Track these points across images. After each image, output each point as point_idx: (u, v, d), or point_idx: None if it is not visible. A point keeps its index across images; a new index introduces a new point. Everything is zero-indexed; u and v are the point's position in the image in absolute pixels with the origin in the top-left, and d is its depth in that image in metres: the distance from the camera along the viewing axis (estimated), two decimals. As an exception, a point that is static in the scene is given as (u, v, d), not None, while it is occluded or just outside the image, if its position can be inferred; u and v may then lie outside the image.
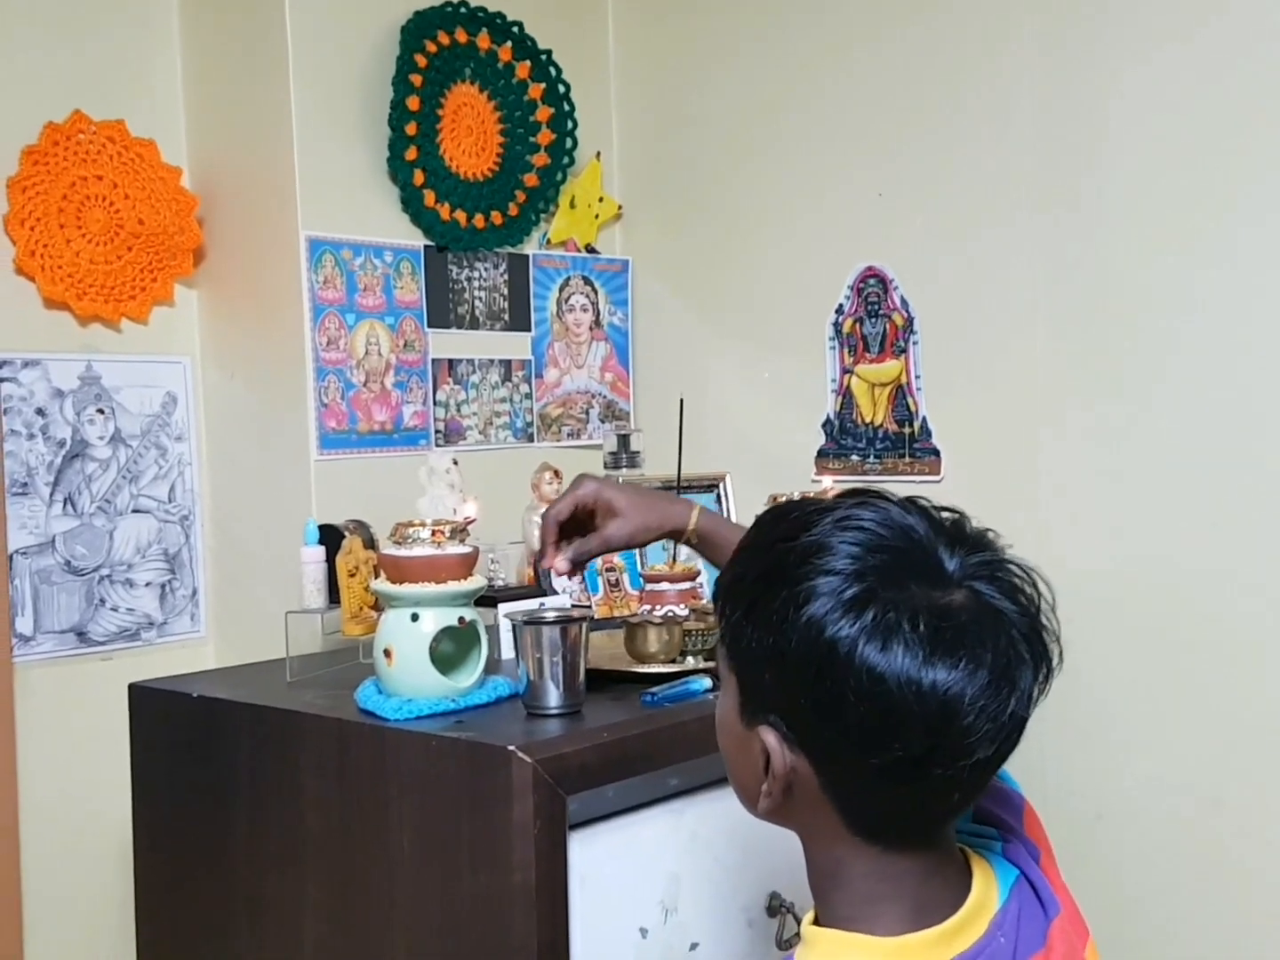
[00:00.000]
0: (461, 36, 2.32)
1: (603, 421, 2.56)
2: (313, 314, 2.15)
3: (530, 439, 2.46)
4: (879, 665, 0.86)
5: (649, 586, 2.02)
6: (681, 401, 2.00)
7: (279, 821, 1.65)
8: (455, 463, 2.07)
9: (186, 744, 1.76)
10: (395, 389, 2.27)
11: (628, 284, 2.60)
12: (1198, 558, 1.95)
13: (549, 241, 2.50)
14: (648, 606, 2.01)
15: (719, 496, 2.20)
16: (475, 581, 1.62)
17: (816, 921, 0.99)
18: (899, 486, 2.22)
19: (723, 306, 2.49)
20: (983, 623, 0.89)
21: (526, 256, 2.46)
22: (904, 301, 2.23)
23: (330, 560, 1.84)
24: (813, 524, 0.93)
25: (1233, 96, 1.89)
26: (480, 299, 2.39)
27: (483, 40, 2.35)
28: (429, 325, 2.31)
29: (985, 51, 2.13)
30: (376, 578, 1.79)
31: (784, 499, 1.78)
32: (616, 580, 2.11)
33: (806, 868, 1.01)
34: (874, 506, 0.93)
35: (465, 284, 2.37)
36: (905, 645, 0.86)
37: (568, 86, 2.44)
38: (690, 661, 1.79)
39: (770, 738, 0.92)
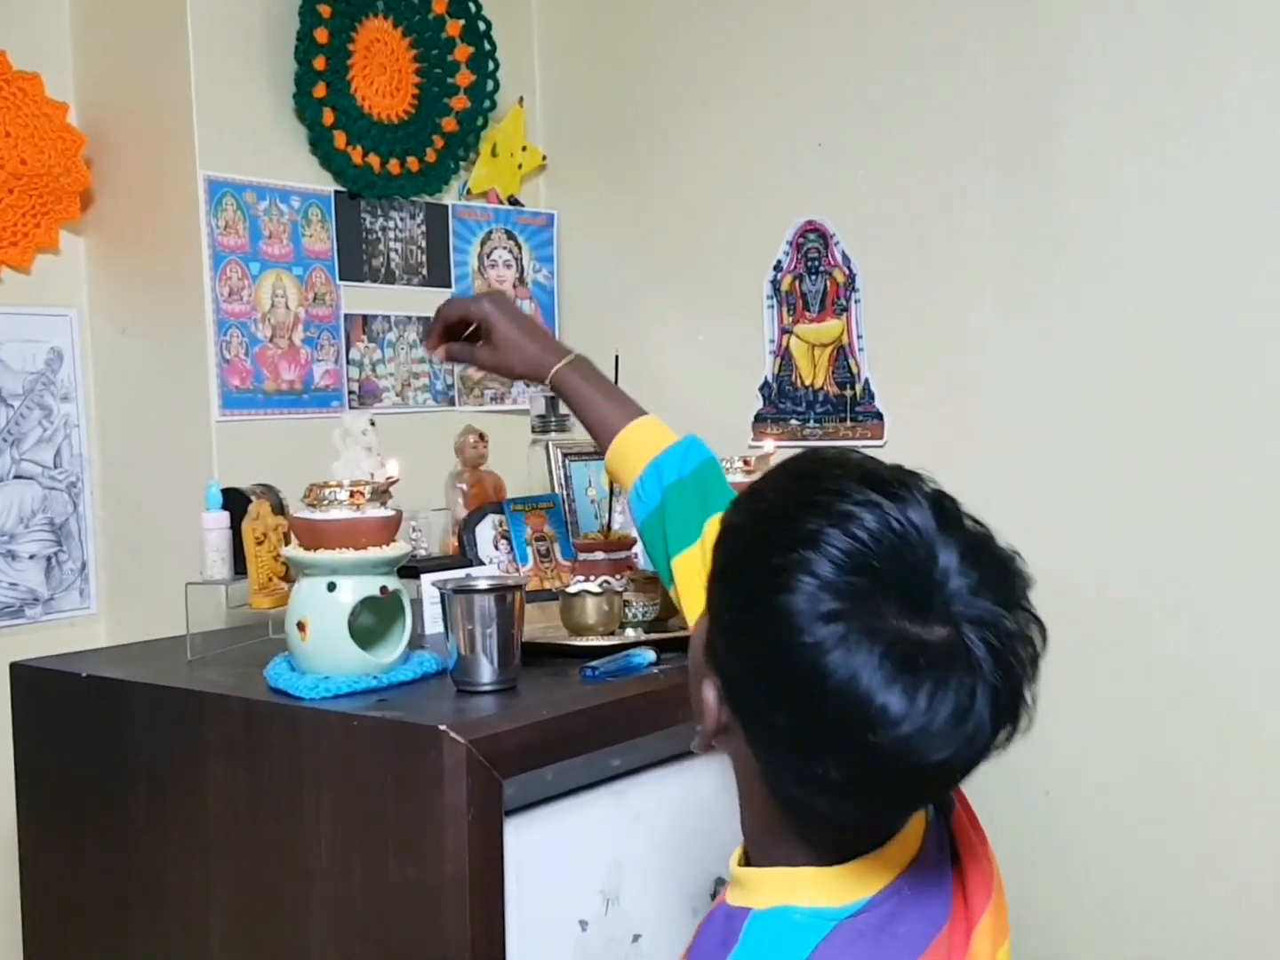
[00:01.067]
0: (375, -33, 2.16)
1: (527, 385, 2.42)
2: (213, 262, 1.98)
3: (451, 402, 2.31)
4: (832, 675, 0.80)
5: (582, 556, 1.89)
6: (617, 358, 1.87)
7: (181, 810, 1.49)
8: (372, 424, 1.91)
9: (75, 729, 1.60)
10: (305, 345, 2.11)
11: (553, 239, 2.46)
12: (1151, 525, 1.87)
13: (469, 192, 2.35)
14: (581, 577, 1.89)
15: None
16: (399, 548, 1.48)
17: (746, 861, 0.95)
18: (840, 451, 2.14)
19: (655, 263, 2.36)
20: (951, 668, 0.80)
21: (445, 207, 2.31)
22: (845, 257, 2.12)
23: (235, 527, 1.68)
24: (815, 509, 0.84)
25: (1195, 39, 1.81)
26: (396, 251, 2.24)
27: (398, -28, 2.20)
28: (340, 278, 2.15)
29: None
30: (287, 545, 1.65)
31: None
32: (547, 550, 1.97)
33: (739, 800, 0.96)
34: (880, 511, 0.83)
35: (380, 234, 2.21)
36: (867, 667, 0.79)
37: (488, 24, 2.28)
38: (630, 634, 1.67)
39: (710, 694, 0.90)
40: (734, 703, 0.88)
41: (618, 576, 1.83)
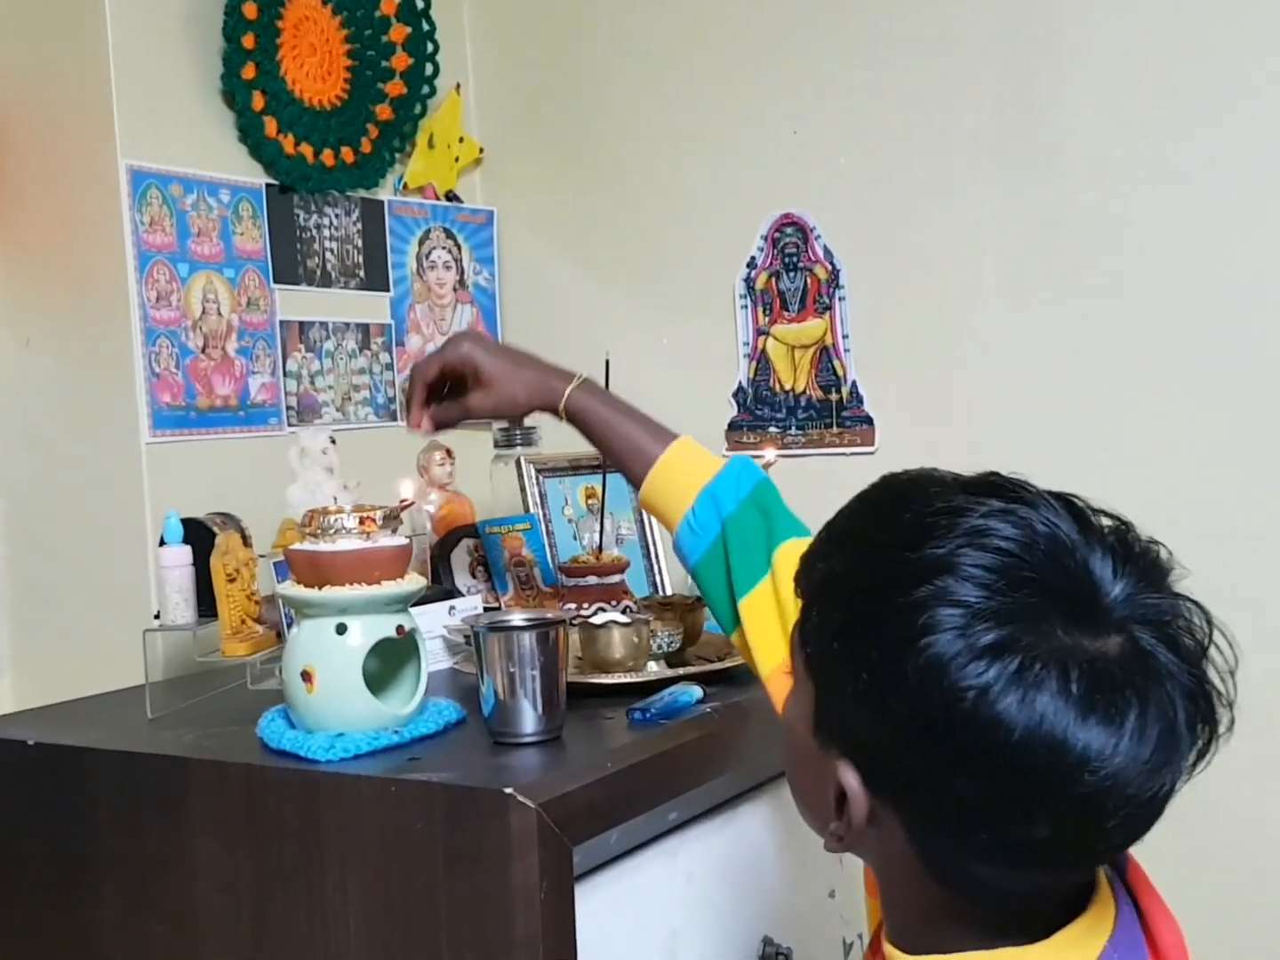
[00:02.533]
0: (302, -62, 1.95)
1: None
2: (138, 263, 1.74)
3: (394, 416, 2.10)
4: (1016, 724, 0.68)
5: (570, 581, 1.72)
6: (607, 363, 1.71)
7: (165, 903, 1.26)
8: (333, 441, 1.71)
9: (18, 811, 1.35)
10: (239, 356, 1.88)
11: (493, 238, 2.26)
12: (1158, 530, 1.77)
13: (405, 186, 2.15)
14: (571, 605, 1.71)
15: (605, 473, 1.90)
16: (414, 581, 1.28)
17: (890, 937, 0.83)
18: (828, 460, 2.00)
19: (610, 263, 2.18)
20: (1144, 680, 0.71)
21: (381, 203, 2.10)
22: (828, 252, 1.98)
23: (198, 564, 1.46)
24: (938, 531, 0.72)
25: (1201, 17, 1.72)
26: (332, 251, 2.02)
27: (327, -56, 1.99)
28: (275, 281, 1.93)
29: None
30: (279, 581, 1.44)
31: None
32: (527, 576, 1.78)
33: (886, 903, 0.84)
34: (1015, 517, 0.73)
35: (315, 233, 1.99)
36: (1053, 702, 0.69)
37: (428, 2, 2.09)
38: (652, 667, 1.49)
39: (850, 779, 0.76)
40: (883, 785, 0.76)
41: (614, 603, 1.67)
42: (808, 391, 2.01)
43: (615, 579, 1.74)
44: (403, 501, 1.33)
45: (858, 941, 1.61)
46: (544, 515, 1.85)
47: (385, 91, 2.07)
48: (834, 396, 1.99)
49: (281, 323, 1.94)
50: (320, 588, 1.24)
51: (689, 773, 1.26)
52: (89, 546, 1.78)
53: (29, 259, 1.82)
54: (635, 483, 1.30)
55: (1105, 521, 0.76)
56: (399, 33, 2.07)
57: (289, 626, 1.48)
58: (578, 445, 1.84)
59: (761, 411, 2.05)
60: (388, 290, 2.10)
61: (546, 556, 1.81)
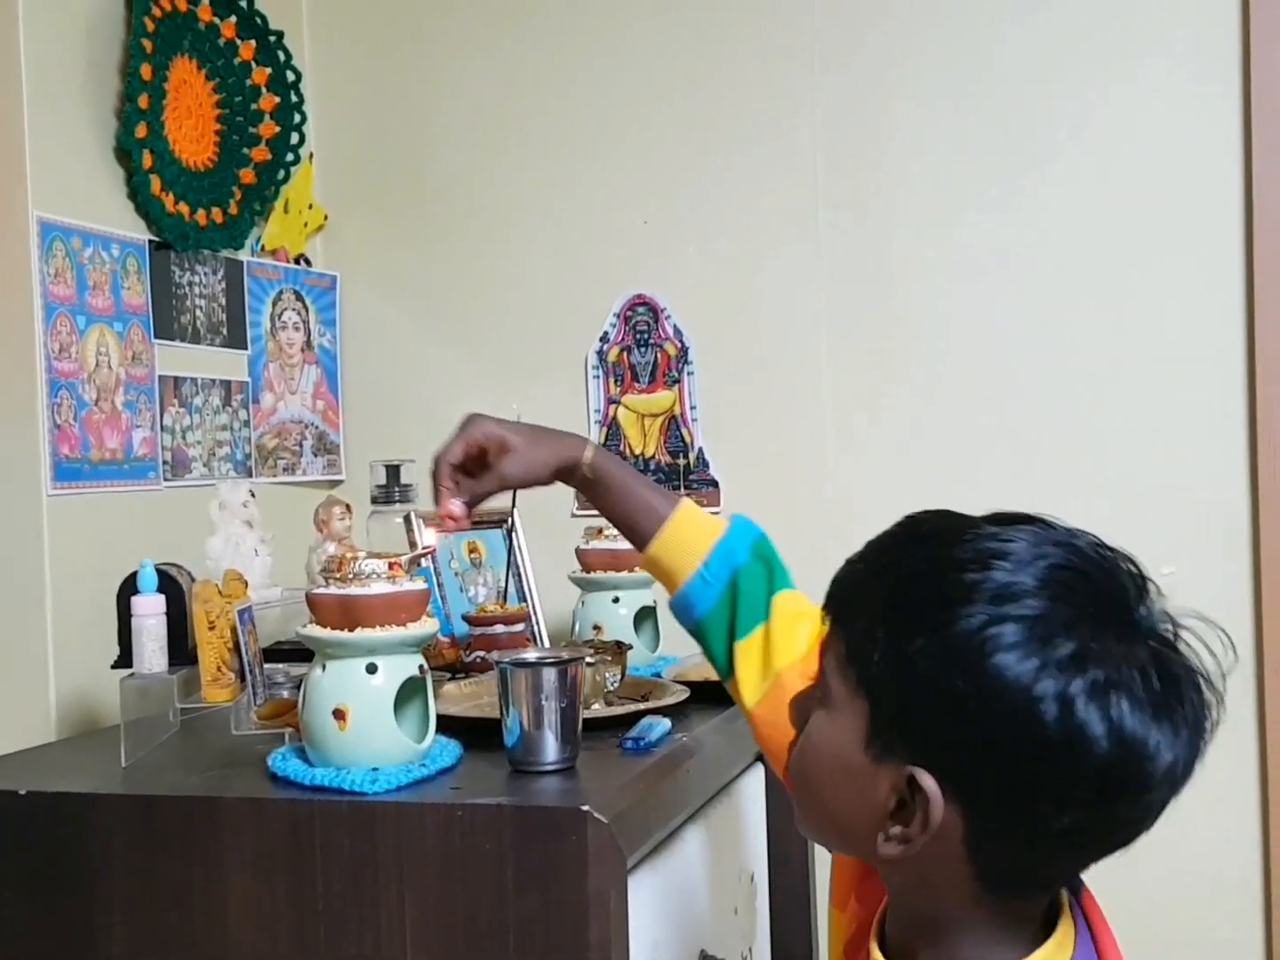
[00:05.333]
0: (181, 3, 1.98)
1: (315, 455, 2.28)
2: (44, 314, 1.73)
3: (250, 473, 2.13)
4: (1099, 724, 0.78)
5: (478, 630, 1.83)
6: (518, 414, 1.84)
7: (189, 940, 1.29)
8: (252, 495, 1.76)
9: (15, 858, 1.33)
10: (125, 410, 1.88)
11: (335, 302, 2.33)
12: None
13: (263, 248, 2.19)
14: (479, 653, 1.82)
15: (508, 531, 2.02)
16: (431, 624, 1.37)
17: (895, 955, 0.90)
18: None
19: (455, 329, 2.30)
20: (1181, 683, 0.82)
21: (241, 263, 2.14)
22: (677, 331, 2.19)
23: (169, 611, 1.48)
24: (996, 556, 0.83)
25: (1014, 106, 2.03)
26: (200, 308, 2.04)
27: (203, 11, 2.03)
28: (155, 335, 1.94)
29: (760, 65, 2.14)
30: (243, 626, 1.48)
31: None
32: (430, 626, 1.86)
33: (896, 909, 0.92)
34: (1064, 542, 0.84)
35: (187, 289, 2.02)
36: (1131, 704, 0.79)
37: (298, 75, 2.16)
38: (596, 707, 1.62)
39: (929, 782, 0.82)
40: (958, 784, 0.82)
41: (521, 650, 1.78)
42: (657, 456, 2.20)
43: (519, 627, 1.86)
44: (426, 548, 1.41)
45: (749, 954, 1.79)
46: (435, 569, 1.94)
47: (250, 156, 2.12)
48: (681, 461, 2.18)
49: (160, 377, 1.94)
50: (351, 629, 1.31)
51: (689, 793, 1.41)
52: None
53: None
54: (641, 540, 1.33)
55: (1086, 538, 0.86)
56: (268, 102, 2.13)
57: (250, 672, 1.53)
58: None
59: (610, 474, 2.21)
60: (246, 348, 2.14)
61: (440, 609, 1.90)
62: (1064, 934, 0.87)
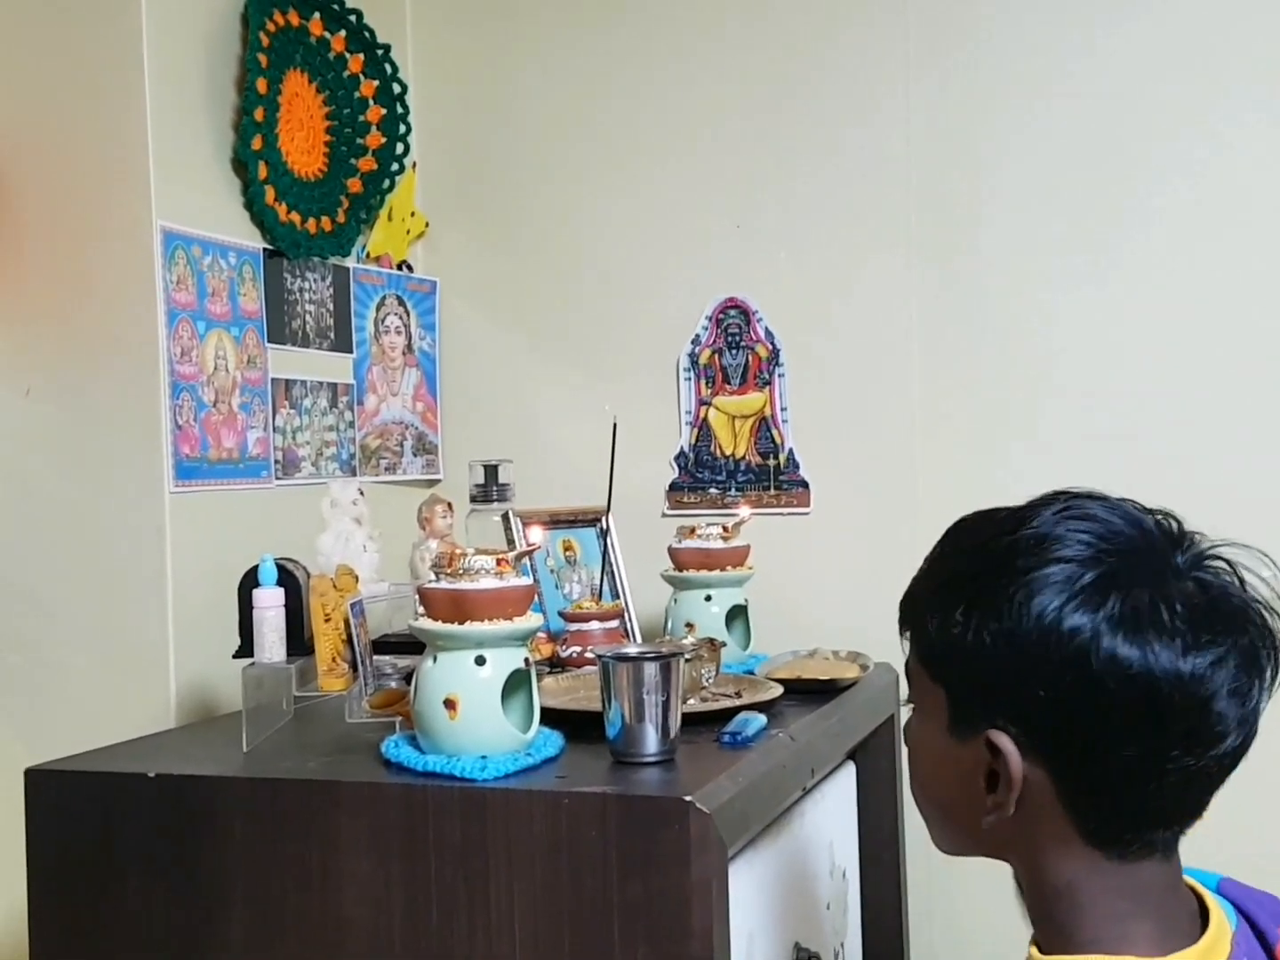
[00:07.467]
0: (294, 19, 2.06)
1: (415, 455, 2.35)
2: (167, 319, 1.82)
3: (354, 472, 2.20)
4: (1133, 653, 0.83)
5: (574, 626, 1.88)
6: (615, 426, 1.90)
7: (305, 920, 1.36)
8: (361, 493, 1.83)
9: (135, 844, 1.41)
10: (241, 411, 1.96)
11: (435, 306, 2.40)
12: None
13: (368, 255, 2.27)
14: (575, 648, 1.87)
15: (602, 530, 2.08)
16: (536, 618, 1.43)
17: (1043, 949, 0.91)
18: (766, 519, 2.23)
19: (550, 334, 2.36)
20: (1223, 610, 0.87)
21: (348, 270, 2.21)
22: (769, 333, 2.23)
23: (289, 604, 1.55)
24: (1030, 518, 0.90)
25: (1107, 124, 2.05)
26: (310, 314, 2.12)
27: (315, 26, 2.11)
28: (269, 340, 2.02)
29: (854, 71, 2.17)
30: (355, 619, 1.55)
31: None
32: (529, 621, 1.92)
33: (1025, 893, 0.95)
34: (1098, 497, 0.92)
35: (298, 295, 2.10)
36: (1159, 631, 0.84)
37: (404, 87, 2.23)
38: (693, 702, 1.67)
39: (1004, 740, 0.87)
40: (1034, 736, 0.87)
41: (619, 645, 1.84)
42: (747, 457, 2.24)
43: (614, 623, 1.91)
44: (532, 545, 1.47)
45: (841, 950, 1.83)
46: (531, 566, 2.00)
47: (358, 166, 2.19)
48: (772, 462, 2.23)
49: (273, 380, 2.02)
50: (461, 623, 1.37)
51: (784, 788, 1.45)
52: (105, 604, 1.81)
53: (32, 310, 1.85)
54: None
55: (1159, 514, 0.92)
56: (375, 113, 2.21)
57: (361, 663, 1.60)
58: (552, 500, 2.03)
59: (702, 474, 2.27)
60: (351, 352, 2.22)
61: (540, 605, 1.96)
62: (1218, 929, 0.90)
